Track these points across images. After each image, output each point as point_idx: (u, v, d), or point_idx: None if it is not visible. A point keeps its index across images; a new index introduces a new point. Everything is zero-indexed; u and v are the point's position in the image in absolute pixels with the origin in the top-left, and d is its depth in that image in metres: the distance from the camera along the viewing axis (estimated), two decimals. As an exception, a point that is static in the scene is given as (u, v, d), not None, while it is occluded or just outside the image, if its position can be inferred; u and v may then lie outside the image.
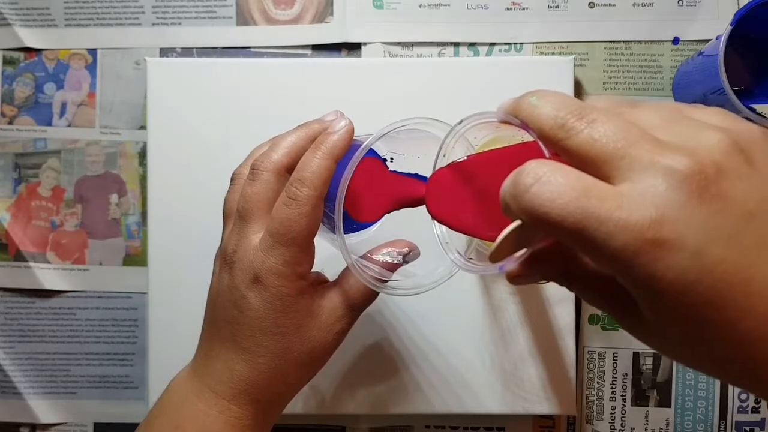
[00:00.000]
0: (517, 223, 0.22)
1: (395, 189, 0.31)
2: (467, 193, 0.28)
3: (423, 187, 0.29)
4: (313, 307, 0.31)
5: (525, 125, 0.22)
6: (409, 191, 0.31)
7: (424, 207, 0.29)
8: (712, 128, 0.20)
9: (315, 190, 0.29)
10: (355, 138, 0.31)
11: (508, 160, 0.25)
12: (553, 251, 0.24)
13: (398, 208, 0.32)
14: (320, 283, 0.33)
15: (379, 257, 0.32)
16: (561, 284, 0.25)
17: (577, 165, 0.20)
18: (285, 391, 0.32)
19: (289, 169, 0.30)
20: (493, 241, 0.23)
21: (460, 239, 0.30)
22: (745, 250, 0.18)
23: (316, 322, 0.31)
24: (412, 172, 0.32)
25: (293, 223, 0.29)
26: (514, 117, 0.23)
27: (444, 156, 0.28)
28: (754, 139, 0.20)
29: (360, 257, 0.32)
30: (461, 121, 0.27)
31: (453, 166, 0.28)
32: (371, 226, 0.34)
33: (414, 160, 0.32)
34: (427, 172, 0.30)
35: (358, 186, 0.31)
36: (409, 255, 0.32)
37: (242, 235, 0.31)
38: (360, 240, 0.33)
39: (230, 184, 0.33)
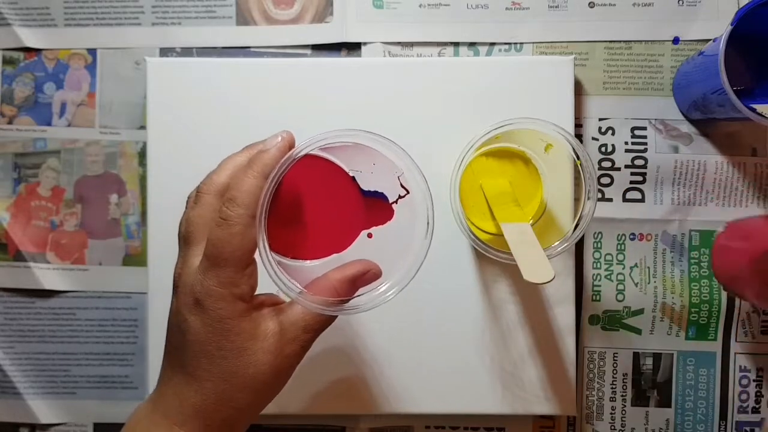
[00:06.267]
0: None
1: (365, 212, 0.31)
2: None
3: (391, 211, 0.29)
4: (258, 330, 0.30)
5: None
6: (378, 215, 0.31)
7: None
8: None
9: (246, 209, 0.28)
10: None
11: None
12: None
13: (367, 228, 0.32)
14: (270, 305, 0.32)
15: (332, 281, 0.31)
16: None
17: None
18: (236, 416, 0.31)
19: None
20: None
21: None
22: None
23: (262, 344, 0.30)
24: (372, 189, 0.32)
25: (225, 244, 0.28)
26: None
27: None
28: None
29: (314, 281, 0.31)
30: None
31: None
32: None
33: (368, 176, 0.32)
34: (381, 186, 0.30)
35: (333, 210, 0.31)
36: (368, 276, 0.31)
37: (185, 258, 0.31)
38: (322, 262, 0.32)
39: (185, 208, 0.33)
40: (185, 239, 0.31)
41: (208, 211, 0.30)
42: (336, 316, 0.32)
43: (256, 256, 0.30)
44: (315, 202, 0.31)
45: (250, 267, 0.30)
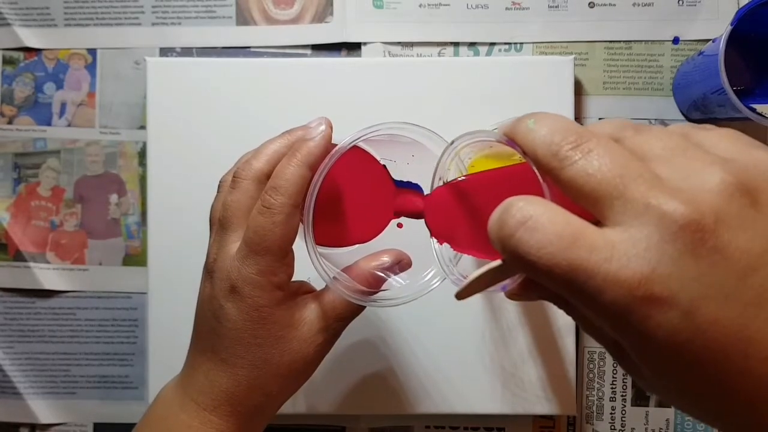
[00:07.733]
0: (496, 263, 0.21)
1: (396, 202, 0.31)
2: (467, 213, 0.27)
3: (422, 200, 0.29)
4: (293, 319, 0.30)
5: (522, 149, 0.22)
6: (409, 205, 0.31)
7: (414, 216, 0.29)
8: (717, 163, 0.18)
9: (289, 198, 0.28)
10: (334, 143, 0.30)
11: (508, 181, 0.25)
12: None
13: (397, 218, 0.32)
14: (304, 293, 0.32)
15: (363, 271, 0.31)
16: (559, 307, 0.24)
17: (570, 196, 0.20)
18: (266, 402, 0.31)
19: (269, 176, 0.30)
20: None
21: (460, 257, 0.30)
22: (743, 308, 0.17)
23: (296, 333, 0.30)
24: (405, 179, 0.31)
25: (267, 232, 0.28)
26: (510, 139, 0.22)
27: (440, 179, 0.28)
28: (762, 174, 0.18)
29: (343, 270, 0.31)
30: (453, 142, 0.26)
31: (451, 185, 0.28)
32: None
33: (404, 166, 0.31)
34: (418, 178, 0.30)
35: (363, 198, 0.31)
36: (399, 266, 0.31)
37: (221, 244, 0.30)
38: (350, 250, 0.32)
39: (217, 192, 0.33)
40: (222, 224, 0.31)
41: (247, 197, 0.30)
42: (364, 306, 0.32)
43: (294, 245, 0.30)
44: (344, 189, 0.31)
45: (288, 256, 0.30)
